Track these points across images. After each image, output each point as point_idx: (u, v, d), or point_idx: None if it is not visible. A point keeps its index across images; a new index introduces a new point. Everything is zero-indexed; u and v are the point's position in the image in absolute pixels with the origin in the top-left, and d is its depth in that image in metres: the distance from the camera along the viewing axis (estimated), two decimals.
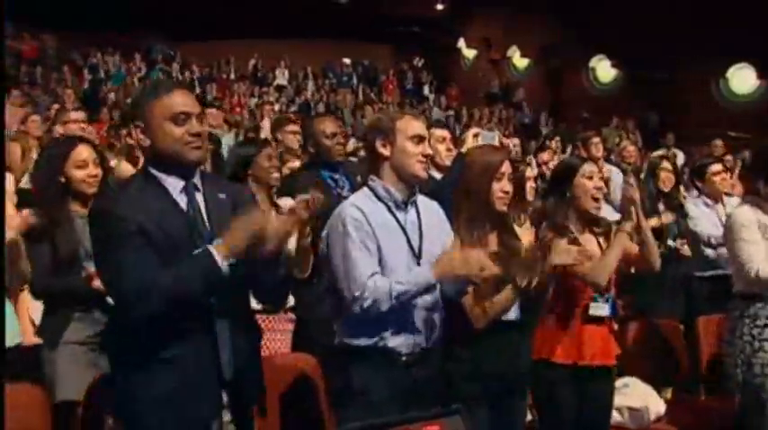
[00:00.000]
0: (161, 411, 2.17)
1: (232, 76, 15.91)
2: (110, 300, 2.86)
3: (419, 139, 2.59)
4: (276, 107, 12.34)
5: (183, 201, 2.25)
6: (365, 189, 2.64)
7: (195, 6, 16.30)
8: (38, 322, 3.77)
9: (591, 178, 3.09)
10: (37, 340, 3.73)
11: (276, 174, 3.75)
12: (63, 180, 3.02)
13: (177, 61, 16.13)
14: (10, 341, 2.93)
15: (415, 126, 2.60)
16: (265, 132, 7.81)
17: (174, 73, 15.21)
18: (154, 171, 2.26)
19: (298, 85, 16.09)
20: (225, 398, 2.29)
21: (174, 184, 2.25)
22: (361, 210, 2.52)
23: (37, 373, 3.04)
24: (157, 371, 2.17)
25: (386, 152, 2.58)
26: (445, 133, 4.04)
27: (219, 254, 2.12)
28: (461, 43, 19.42)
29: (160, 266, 2.12)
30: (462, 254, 2.48)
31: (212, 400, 2.26)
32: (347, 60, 18.33)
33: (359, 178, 3.78)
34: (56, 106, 8.83)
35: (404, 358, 2.54)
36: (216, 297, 2.22)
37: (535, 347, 3.05)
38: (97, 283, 2.90)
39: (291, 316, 3.66)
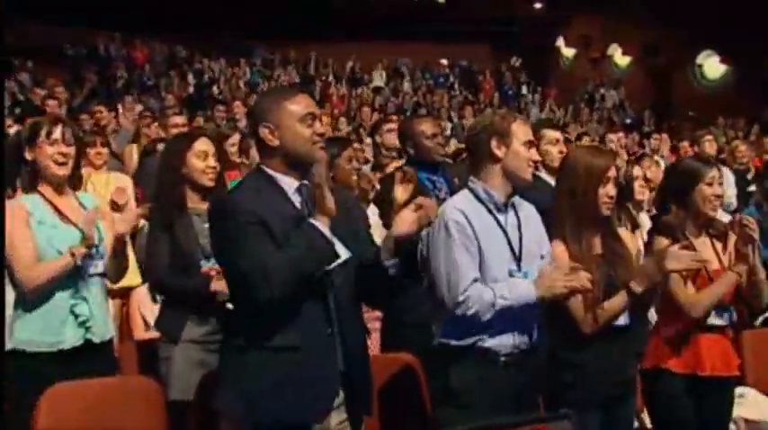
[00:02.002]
0: (279, 402, 2.23)
1: (330, 79, 16.12)
2: (229, 305, 2.98)
3: (530, 144, 2.62)
4: (373, 107, 12.43)
5: (297, 200, 2.35)
6: (465, 191, 2.65)
7: (293, 9, 16.68)
8: (149, 318, 3.94)
9: (711, 184, 3.00)
10: (147, 335, 3.90)
11: (356, 177, 3.79)
12: (184, 171, 3.12)
13: (277, 64, 16.50)
14: (101, 336, 3.02)
15: (528, 131, 2.64)
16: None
17: (275, 76, 15.56)
18: (269, 171, 2.36)
19: (395, 87, 16.16)
20: (341, 395, 2.34)
21: (289, 184, 2.36)
22: (463, 212, 2.53)
23: (152, 368, 3.17)
24: (278, 359, 2.24)
25: (500, 153, 2.58)
26: (558, 134, 3.98)
27: (321, 223, 2.23)
28: (560, 42, 19.09)
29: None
30: (566, 274, 2.48)
31: (332, 391, 2.32)
32: (444, 61, 18.31)
33: (456, 180, 3.77)
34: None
35: (503, 359, 2.54)
36: (330, 292, 2.29)
37: (649, 354, 2.98)
38: (214, 286, 3.00)
39: (379, 314, 3.68)
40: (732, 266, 2.94)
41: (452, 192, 3.67)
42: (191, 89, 13.81)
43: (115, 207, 3.51)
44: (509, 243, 2.58)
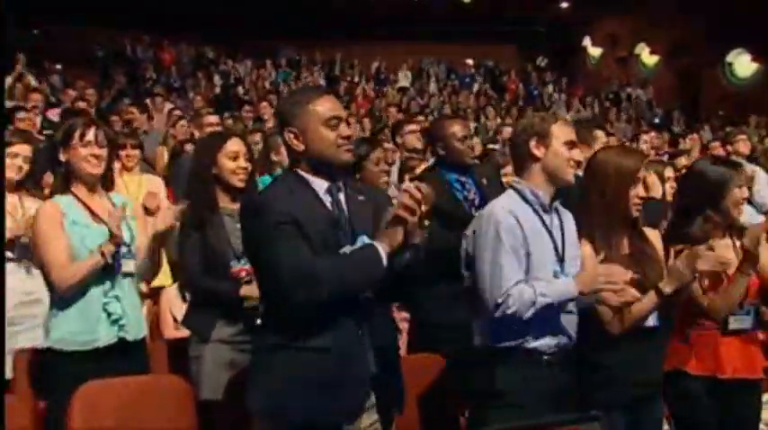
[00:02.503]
0: (312, 401, 2.23)
1: (356, 79, 16.15)
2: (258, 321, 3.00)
3: (572, 145, 2.62)
4: (399, 108, 12.42)
5: (327, 200, 2.35)
6: (511, 192, 2.65)
7: (319, 11, 16.74)
8: (179, 317, 3.98)
9: (741, 187, 2.98)
10: (177, 334, 3.93)
11: (385, 178, 3.78)
12: (215, 171, 3.15)
13: (302, 65, 16.57)
14: (134, 335, 3.05)
15: (569, 131, 2.64)
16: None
17: (300, 77, 15.63)
18: (301, 172, 2.36)
19: (420, 87, 16.15)
20: (372, 396, 2.35)
21: (320, 185, 2.35)
22: (513, 214, 2.53)
23: (181, 367, 3.18)
24: (310, 360, 2.24)
25: (539, 154, 2.60)
26: (604, 135, 3.97)
27: (383, 250, 2.22)
28: (587, 42, 18.96)
29: (314, 255, 2.22)
30: (606, 271, 2.49)
31: (362, 393, 2.32)
32: (470, 61, 18.27)
33: (484, 181, 3.77)
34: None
35: (546, 358, 2.55)
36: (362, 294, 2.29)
37: (669, 356, 2.94)
38: (243, 291, 3.03)
39: (406, 315, 3.68)
40: (740, 267, 2.89)
41: (481, 193, 3.70)
42: (217, 90, 13.92)
43: (147, 211, 3.56)
44: (554, 244, 2.59)
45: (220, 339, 3.06)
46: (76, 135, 3.01)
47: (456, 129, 3.79)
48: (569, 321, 2.60)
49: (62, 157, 3.04)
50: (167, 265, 4.37)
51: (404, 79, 16.53)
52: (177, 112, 8.08)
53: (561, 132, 2.61)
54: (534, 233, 2.55)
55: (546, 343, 2.55)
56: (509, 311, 2.45)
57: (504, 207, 2.57)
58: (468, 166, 3.83)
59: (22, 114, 6.47)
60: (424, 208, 2.25)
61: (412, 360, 3.35)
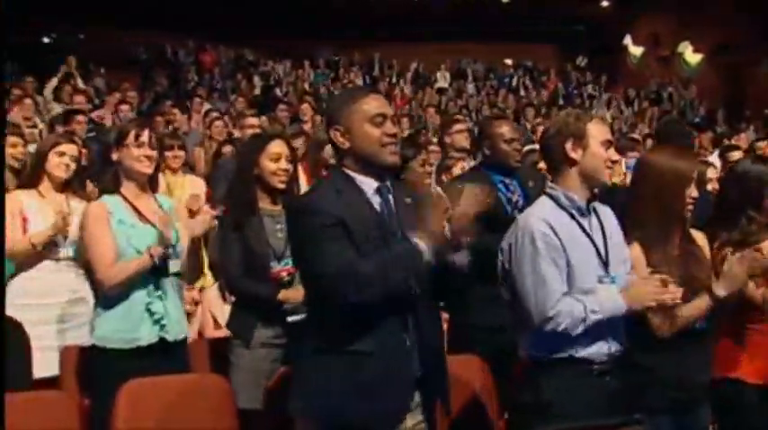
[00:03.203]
0: (356, 405, 2.23)
1: (394, 80, 16.15)
2: (292, 318, 3.01)
3: (609, 144, 2.53)
4: (438, 108, 12.39)
5: (376, 201, 2.34)
6: (545, 198, 2.56)
7: (357, 12, 16.78)
8: (219, 317, 4.02)
9: None
10: (218, 334, 3.98)
11: (429, 180, 3.77)
12: (256, 172, 3.17)
13: (341, 66, 16.63)
14: (175, 335, 3.09)
15: (605, 130, 2.55)
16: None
17: (339, 78, 15.68)
18: (349, 171, 2.35)
19: (459, 87, 16.09)
20: (417, 397, 2.34)
21: (368, 185, 2.34)
22: (547, 222, 2.45)
23: (222, 366, 3.21)
24: (355, 364, 2.24)
25: (575, 156, 2.50)
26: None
27: (424, 244, 2.19)
28: (628, 40, 18.68)
29: (359, 256, 2.20)
30: (655, 285, 2.42)
31: (406, 396, 2.31)
32: (509, 61, 18.14)
33: (530, 183, 3.71)
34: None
35: (597, 367, 2.47)
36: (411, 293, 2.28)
37: (717, 363, 2.86)
38: (282, 295, 3.05)
39: (445, 316, 3.66)
40: None
41: (526, 195, 3.65)
42: (257, 91, 14.04)
43: (190, 213, 3.61)
44: (596, 248, 2.50)
45: (261, 343, 3.08)
46: (131, 136, 3.08)
47: (504, 130, 3.73)
48: (619, 327, 2.52)
49: (114, 157, 3.10)
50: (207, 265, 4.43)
51: (442, 80, 16.48)
52: (214, 113, 8.17)
53: (598, 131, 2.51)
54: (572, 239, 2.46)
55: (596, 351, 2.46)
56: (559, 328, 2.38)
57: (538, 216, 2.48)
58: (512, 169, 3.76)
59: (80, 118, 6.61)
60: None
61: (449, 360, 3.35)
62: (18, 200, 3.65)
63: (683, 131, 5.04)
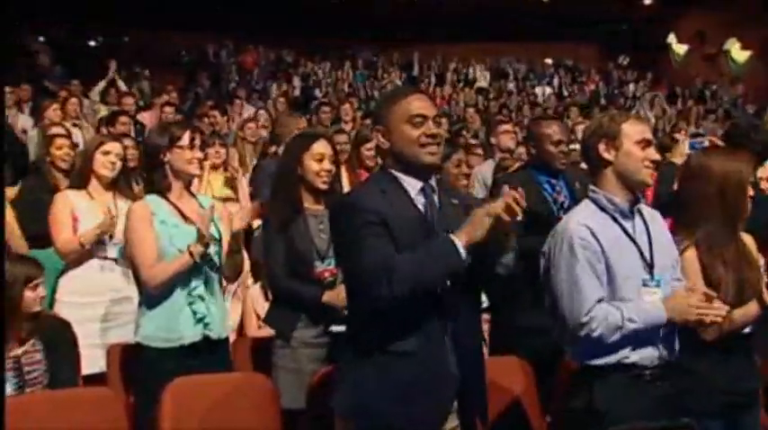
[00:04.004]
0: (396, 406, 2.22)
1: (433, 80, 16.11)
2: (334, 328, 3.01)
3: (646, 143, 2.47)
4: (477, 108, 12.33)
5: (420, 201, 2.33)
6: (587, 201, 2.53)
7: (397, 12, 16.78)
8: (262, 315, 4.05)
9: None
10: (261, 333, 4.01)
11: (465, 181, 3.74)
12: (300, 172, 3.18)
13: (380, 66, 16.65)
14: (218, 333, 3.12)
15: (641, 129, 2.49)
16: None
17: (378, 78, 15.70)
18: (393, 171, 2.35)
19: (499, 87, 15.99)
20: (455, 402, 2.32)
21: (412, 185, 2.34)
22: (588, 227, 2.41)
23: (265, 365, 3.23)
24: (395, 365, 2.23)
25: (609, 157, 2.47)
26: None
27: (460, 241, 2.16)
28: (671, 38, 18.37)
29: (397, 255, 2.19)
30: (699, 300, 2.36)
31: (446, 397, 2.30)
32: (549, 60, 17.97)
33: (577, 184, 3.66)
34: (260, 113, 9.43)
35: (648, 373, 2.42)
36: (448, 295, 2.26)
37: None
38: (326, 297, 3.06)
39: (486, 316, 3.64)
40: None
41: (572, 196, 3.60)
42: (297, 92, 14.13)
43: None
44: (640, 252, 2.45)
45: (302, 341, 3.09)
46: (186, 138, 3.13)
47: (552, 131, 3.67)
48: (672, 333, 2.47)
49: (164, 158, 3.14)
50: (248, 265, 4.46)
51: (482, 79, 16.40)
52: (248, 114, 8.22)
53: (633, 131, 2.46)
54: (614, 243, 2.41)
55: (647, 356, 2.41)
56: (594, 335, 2.34)
57: (578, 220, 2.44)
58: (558, 171, 3.70)
59: (124, 119, 6.73)
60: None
61: (490, 363, 3.33)
62: (69, 200, 3.74)
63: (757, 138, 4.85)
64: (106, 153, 3.78)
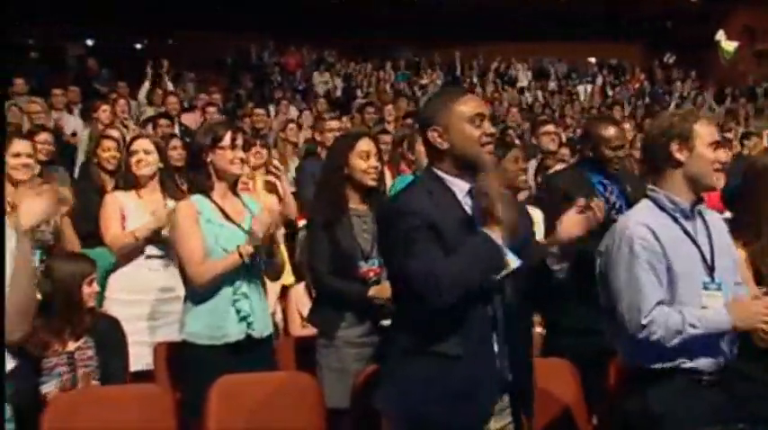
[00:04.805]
0: (444, 408, 2.21)
1: (475, 80, 16.05)
2: (385, 322, 3.01)
3: (717, 145, 2.42)
4: (520, 108, 12.25)
5: (467, 203, 2.31)
6: (647, 201, 2.48)
7: (437, 11, 16.75)
8: (306, 314, 4.07)
9: None
10: (304, 332, 4.03)
11: (523, 177, 3.70)
12: (346, 171, 3.19)
13: (421, 66, 16.63)
14: (261, 332, 3.13)
15: (713, 130, 2.44)
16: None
17: (420, 78, 15.69)
18: (440, 173, 2.34)
19: (541, 86, 15.87)
20: (506, 400, 2.32)
21: (459, 186, 2.32)
22: (649, 227, 2.36)
23: (308, 364, 3.25)
24: (444, 366, 2.22)
25: (681, 158, 2.41)
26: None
27: (493, 233, 2.16)
28: (720, 35, 18.00)
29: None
30: (766, 306, 2.31)
31: (494, 400, 2.28)
32: (592, 59, 17.77)
33: (628, 187, 3.60)
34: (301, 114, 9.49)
35: (706, 379, 2.37)
36: (497, 296, 2.25)
37: None
38: (372, 292, 3.06)
39: (537, 318, 3.61)
40: None
41: (626, 200, 3.54)
42: (338, 93, 14.19)
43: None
44: (701, 253, 2.39)
45: (347, 340, 3.10)
46: (228, 138, 3.15)
47: (611, 134, 3.59)
48: (732, 337, 2.41)
49: (207, 159, 3.18)
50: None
51: (524, 79, 16.29)
52: (291, 115, 8.26)
53: (705, 132, 2.41)
54: (674, 244, 2.36)
55: (706, 361, 2.36)
56: (653, 337, 2.30)
57: (638, 219, 2.40)
58: (611, 174, 3.63)
59: (164, 121, 6.83)
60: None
61: (537, 363, 3.30)
62: (118, 199, 3.82)
63: None
64: (134, 152, 3.84)
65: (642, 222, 2.38)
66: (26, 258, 2.02)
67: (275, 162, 5.69)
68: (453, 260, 2.16)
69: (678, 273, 2.35)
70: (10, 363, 2.03)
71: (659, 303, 2.32)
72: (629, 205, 3.47)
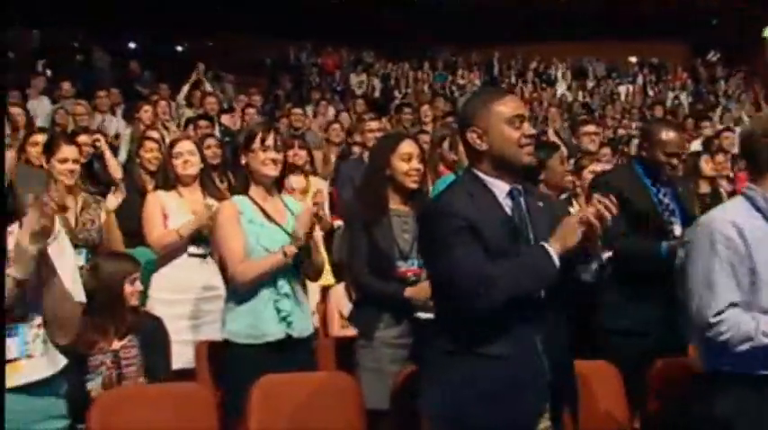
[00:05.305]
0: (487, 409, 2.20)
1: (513, 80, 15.95)
2: (421, 314, 3.01)
3: None
4: (557, 108, 12.14)
5: (507, 204, 2.30)
6: (741, 199, 2.39)
7: (475, 12, 16.68)
8: (346, 314, 4.08)
9: None
10: (344, 332, 4.05)
11: (569, 178, 3.67)
12: (388, 172, 3.19)
13: (459, 66, 16.58)
14: (300, 332, 3.14)
15: None
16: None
17: (458, 78, 15.65)
18: (480, 174, 2.33)
19: (580, 86, 15.71)
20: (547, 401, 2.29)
21: (500, 187, 2.31)
22: (736, 225, 2.27)
23: (347, 364, 3.26)
24: (486, 367, 2.21)
25: None
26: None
27: (554, 250, 2.15)
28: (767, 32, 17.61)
29: (489, 261, 2.17)
30: None
31: (537, 401, 2.26)
32: (633, 59, 17.53)
33: (681, 189, 3.53)
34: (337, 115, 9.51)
35: None
36: (537, 297, 2.24)
37: None
38: (408, 292, 3.06)
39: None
40: None
41: (679, 204, 3.48)
42: (377, 93, 14.21)
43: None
44: None
45: (384, 341, 3.10)
46: (258, 139, 3.16)
47: (670, 138, 3.47)
48: None
49: (243, 160, 3.20)
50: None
51: (563, 79, 16.15)
52: (330, 115, 8.29)
53: None
54: (763, 246, 2.26)
55: None
56: (720, 338, 2.22)
57: (725, 216, 2.31)
58: (663, 181, 3.52)
59: (203, 122, 6.91)
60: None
61: (577, 365, 3.27)
62: (160, 199, 3.87)
63: None
64: (179, 155, 3.89)
65: (730, 220, 2.30)
66: (53, 270, 2.04)
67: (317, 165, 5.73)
68: (510, 266, 2.16)
69: (762, 277, 2.26)
70: (63, 361, 2.07)
71: (733, 304, 2.24)
72: (683, 208, 3.44)
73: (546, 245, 2.17)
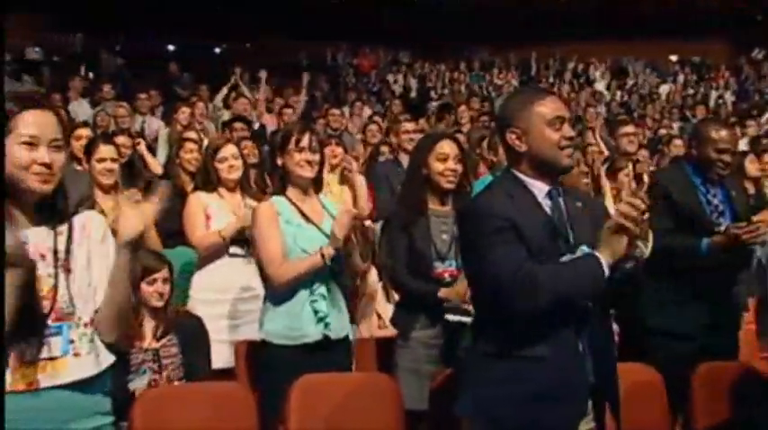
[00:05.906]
0: (529, 411, 2.18)
1: (551, 80, 15.81)
2: (450, 316, 3.00)
3: None
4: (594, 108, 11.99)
5: (546, 205, 2.28)
6: None
7: (512, 11, 16.58)
8: (384, 316, 4.09)
9: None
10: (382, 333, 4.05)
11: (586, 180, 3.64)
12: (425, 172, 3.19)
13: (496, 67, 16.49)
14: (337, 333, 3.14)
15: None
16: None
17: (495, 79, 15.57)
18: (520, 175, 2.31)
19: (619, 86, 15.52)
20: (589, 404, 2.27)
21: (539, 188, 2.29)
22: None
23: (386, 365, 3.27)
24: (528, 369, 2.19)
25: None
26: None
27: (604, 259, 2.12)
28: None
29: (532, 261, 2.15)
30: None
31: (579, 403, 2.24)
32: (674, 57, 17.25)
33: (733, 192, 3.47)
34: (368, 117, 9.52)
35: None
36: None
37: None
38: (442, 293, 3.05)
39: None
40: None
41: (730, 205, 3.43)
42: (413, 94, 14.19)
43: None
44: None
45: (421, 342, 3.10)
46: (293, 140, 3.16)
47: (720, 137, 3.41)
48: None
49: (279, 161, 3.21)
50: None
51: (601, 79, 15.96)
52: (365, 116, 8.28)
53: None
54: None
55: None
56: None
57: None
58: (714, 180, 3.47)
59: (237, 125, 6.96)
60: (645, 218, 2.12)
61: (619, 368, 3.22)
62: (201, 200, 3.91)
63: None
64: (224, 159, 3.91)
65: None
66: (123, 268, 2.06)
67: (352, 164, 5.72)
68: (560, 270, 2.14)
69: None
70: (110, 359, 2.10)
71: None
72: (734, 210, 3.38)
73: (599, 255, 2.12)
